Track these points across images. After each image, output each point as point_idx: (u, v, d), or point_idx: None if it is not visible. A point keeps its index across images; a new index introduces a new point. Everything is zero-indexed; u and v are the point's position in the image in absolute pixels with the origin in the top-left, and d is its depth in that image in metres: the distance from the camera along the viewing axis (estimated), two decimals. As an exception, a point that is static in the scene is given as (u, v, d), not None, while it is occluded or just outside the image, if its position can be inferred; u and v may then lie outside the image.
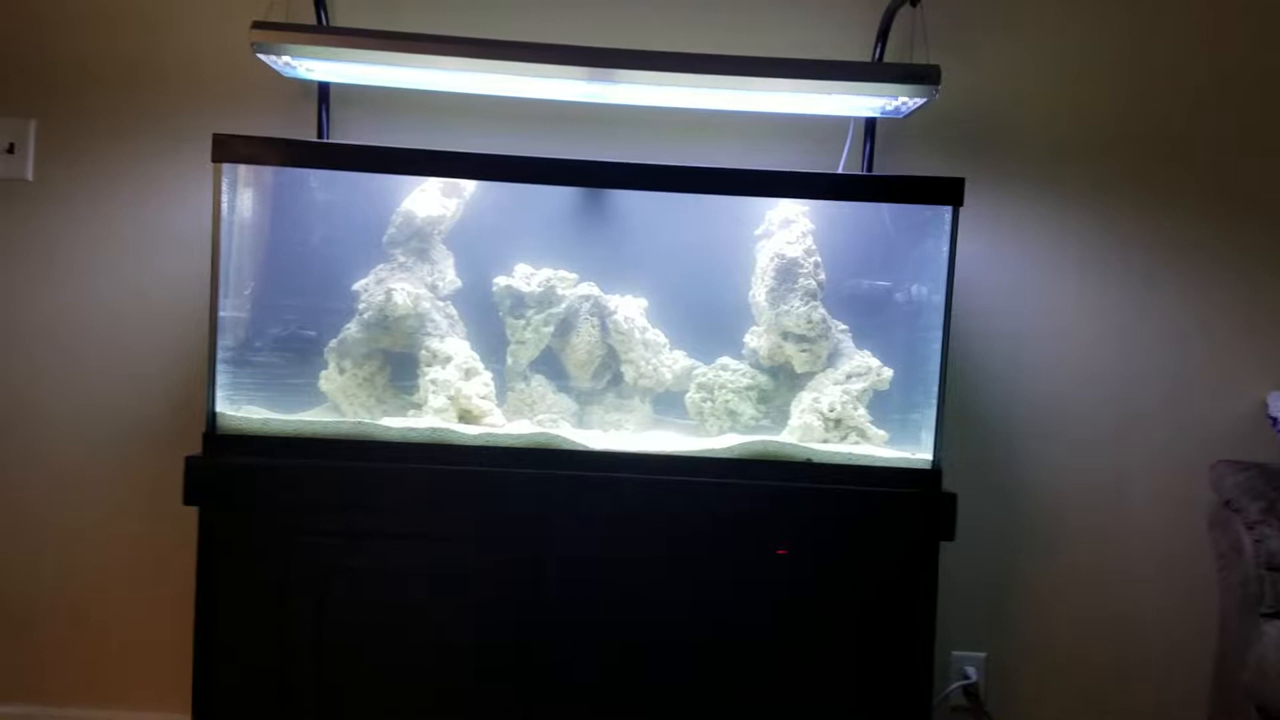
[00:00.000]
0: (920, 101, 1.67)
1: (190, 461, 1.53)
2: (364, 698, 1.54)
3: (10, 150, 1.84)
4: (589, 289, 1.77)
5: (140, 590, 1.89)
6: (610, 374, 1.81)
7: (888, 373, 1.70)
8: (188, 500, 1.52)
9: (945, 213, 1.59)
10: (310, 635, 1.53)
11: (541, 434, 1.60)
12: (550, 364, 1.79)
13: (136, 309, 1.87)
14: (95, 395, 1.87)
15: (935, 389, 1.58)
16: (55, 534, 1.89)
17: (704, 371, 1.77)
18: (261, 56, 1.62)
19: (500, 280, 1.75)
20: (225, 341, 1.60)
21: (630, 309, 1.78)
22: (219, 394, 1.58)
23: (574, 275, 1.77)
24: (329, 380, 1.70)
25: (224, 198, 1.56)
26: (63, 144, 1.85)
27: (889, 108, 1.72)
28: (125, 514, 1.88)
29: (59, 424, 1.88)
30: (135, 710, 1.89)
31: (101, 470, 1.88)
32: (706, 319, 1.81)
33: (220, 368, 1.58)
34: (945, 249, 1.58)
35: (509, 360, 1.75)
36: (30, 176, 1.85)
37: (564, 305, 1.75)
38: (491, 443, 1.57)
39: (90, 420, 1.88)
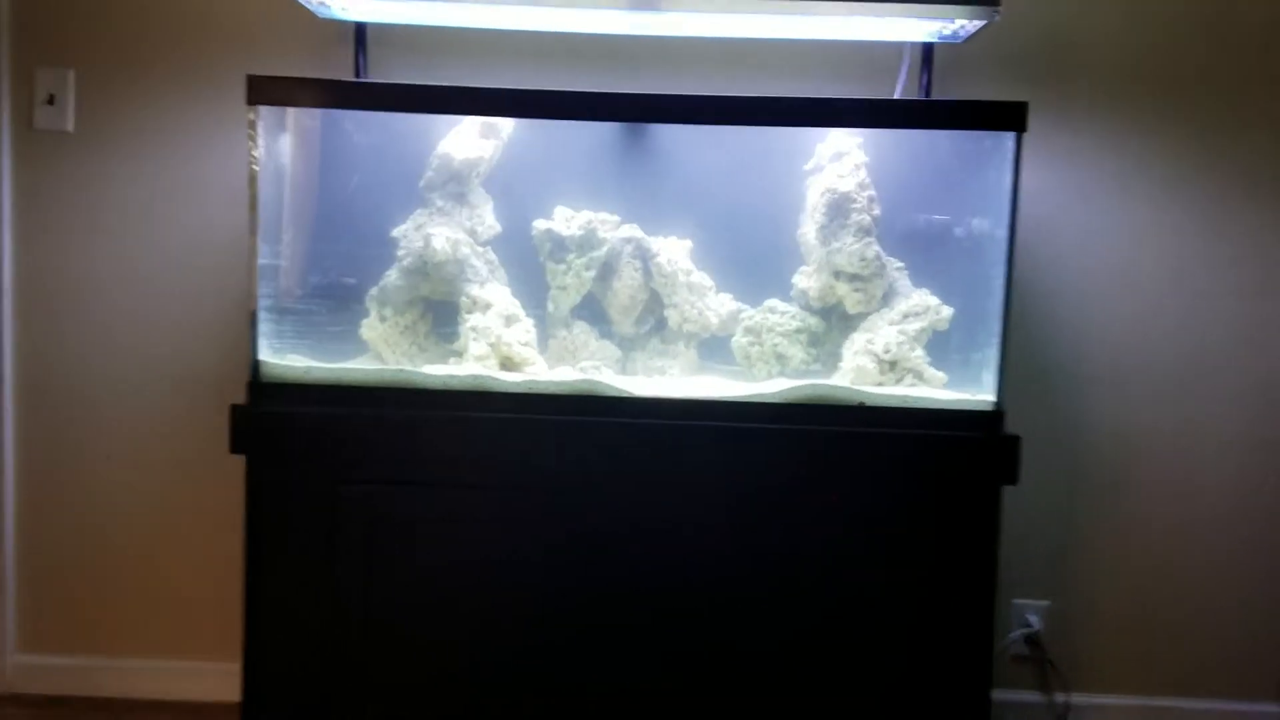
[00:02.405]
0: (980, 24, 1.58)
1: (235, 410, 1.53)
2: (410, 642, 1.54)
3: (50, 102, 1.84)
4: (631, 231, 1.72)
5: (191, 539, 1.91)
6: (654, 319, 1.77)
7: (947, 311, 1.63)
8: (234, 448, 1.52)
9: (1008, 140, 1.51)
10: (357, 581, 1.53)
11: (584, 381, 1.56)
12: (592, 309, 1.75)
13: (179, 259, 1.87)
14: (139, 346, 1.89)
15: (997, 328, 1.52)
16: (105, 486, 1.91)
17: (751, 314, 1.71)
18: (294, -4, 1.59)
19: (540, 224, 1.70)
20: (266, 290, 1.59)
21: (674, 251, 1.73)
22: (262, 342, 1.57)
23: (615, 217, 1.72)
24: (370, 328, 1.69)
25: (260, 142, 1.54)
26: (101, 94, 1.85)
27: (946, 32, 1.63)
28: (174, 463, 1.90)
29: (105, 376, 1.89)
30: (187, 659, 1.93)
31: (148, 420, 1.90)
32: (753, 260, 1.76)
33: (262, 316, 1.57)
34: (1008, 179, 1.50)
35: (550, 306, 1.71)
36: (70, 128, 1.85)
37: (605, 248, 1.70)
38: (533, 390, 1.55)
39: (136, 371, 1.89)
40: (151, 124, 1.84)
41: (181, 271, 1.87)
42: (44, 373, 1.89)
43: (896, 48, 1.76)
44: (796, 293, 1.72)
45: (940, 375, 1.61)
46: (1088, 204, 1.82)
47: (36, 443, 1.91)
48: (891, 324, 1.63)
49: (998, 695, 1.78)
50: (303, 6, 1.66)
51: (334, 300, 1.72)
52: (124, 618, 1.93)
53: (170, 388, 1.89)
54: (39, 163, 1.86)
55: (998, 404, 1.51)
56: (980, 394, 1.55)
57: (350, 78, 1.79)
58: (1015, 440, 1.49)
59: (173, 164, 1.85)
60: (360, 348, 1.72)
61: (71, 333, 1.89)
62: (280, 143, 1.63)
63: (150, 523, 1.92)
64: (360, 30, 1.77)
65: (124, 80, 1.84)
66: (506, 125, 1.71)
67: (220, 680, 1.89)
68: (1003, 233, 1.51)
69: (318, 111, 1.67)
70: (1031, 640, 1.87)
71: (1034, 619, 1.87)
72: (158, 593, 1.92)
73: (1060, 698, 1.87)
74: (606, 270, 1.73)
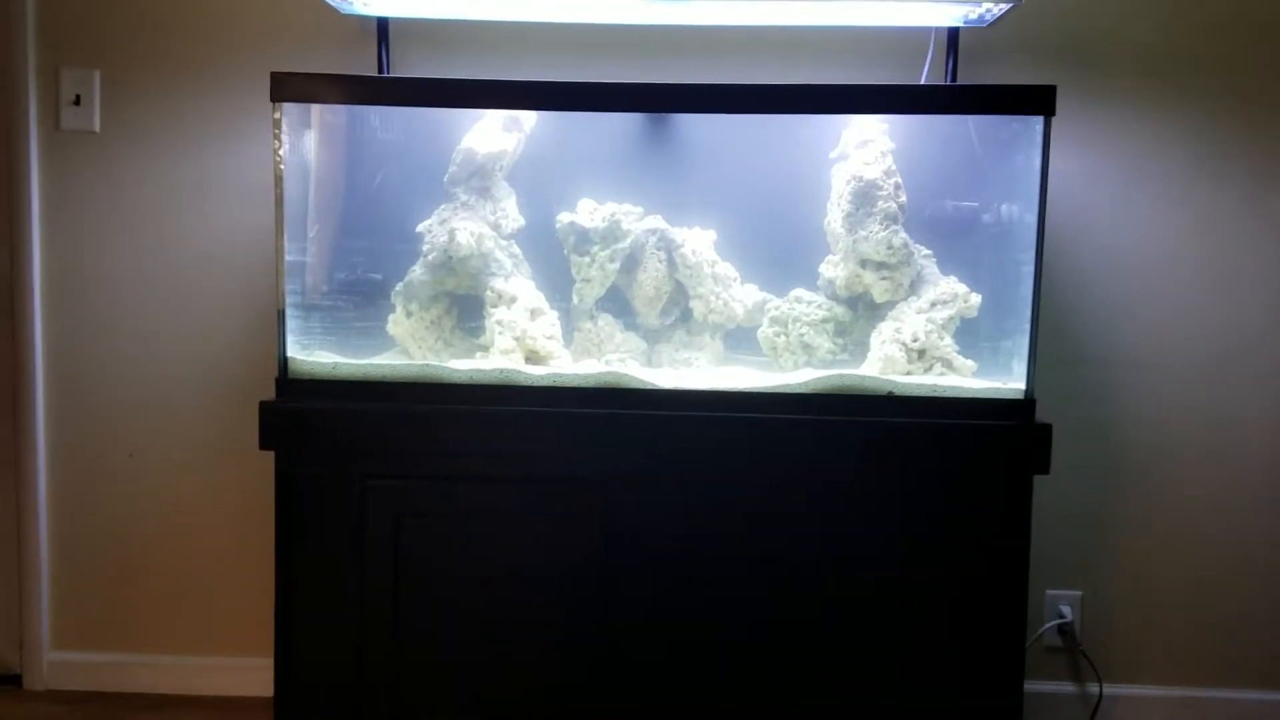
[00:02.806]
0: (1006, 7, 1.57)
1: (264, 406, 1.53)
2: (438, 634, 1.54)
3: (76, 102, 1.85)
4: (655, 222, 1.72)
5: (220, 535, 1.93)
6: (679, 310, 1.76)
7: (976, 299, 1.61)
8: (263, 444, 1.53)
9: (1036, 124, 1.49)
10: (385, 574, 1.54)
11: (609, 373, 1.56)
12: (617, 302, 1.75)
13: (204, 256, 1.88)
14: (166, 343, 1.90)
15: (1027, 315, 1.50)
16: (134, 483, 1.93)
17: (777, 304, 1.70)
18: (315, -8, 1.59)
19: (563, 216, 1.70)
20: (293, 286, 1.60)
21: (698, 242, 1.72)
22: (290, 339, 1.58)
23: (639, 208, 1.71)
24: (396, 324, 1.69)
25: (285, 139, 1.54)
26: (126, 94, 1.86)
27: (972, 15, 1.62)
28: (203, 459, 1.91)
29: (132, 373, 1.91)
30: (218, 655, 1.94)
31: (176, 417, 1.91)
32: (779, 249, 1.75)
33: (290, 313, 1.58)
34: (1037, 164, 1.48)
35: (575, 299, 1.71)
36: (97, 128, 1.86)
37: (629, 240, 1.70)
38: (559, 383, 1.54)
39: (163, 368, 1.90)
40: (176, 123, 1.86)
41: (207, 269, 1.88)
42: (71, 370, 1.91)
43: (922, 33, 1.74)
44: (823, 282, 1.71)
45: (969, 363, 1.60)
46: (1117, 188, 1.79)
47: (65, 441, 1.92)
48: (919, 312, 1.61)
49: (1030, 686, 1.77)
50: (325, 3, 1.66)
51: (360, 296, 1.72)
52: (155, 614, 1.94)
53: (197, 384, 1.90)
54: (66, 163, 1.87)
55: (1028, 392, 1.50)
56: (1010, 382, 1.54)
57: (374, 73, 1.79)
58: (1046, 429, 1.47)
59: (198, 162, 1.86)
60: (386, 343, 1.72)
61: (99, 330, 1.90)
62: (305, 139, 1.63)
63: (179, 519, 1.93)
64: (383, 25, 1.77)
65: (149, 80, 1.85)
66: (529, 118, 1.71)
67: (251, 675, 1.90)
68: (1031, 218, 1.49)
69: (341, 108, 1.67)
70: (1064, 631, 1.85)
71: (1067, 609, 1.85)
72: (188, 589, 1.94)
73: (1093, 688, 1.85)
74: (631, 262, 1.72)
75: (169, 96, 1.85)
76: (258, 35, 1.84)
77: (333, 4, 1.66)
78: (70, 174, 1.87)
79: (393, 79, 1.74)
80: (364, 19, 1.79)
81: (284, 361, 1.57)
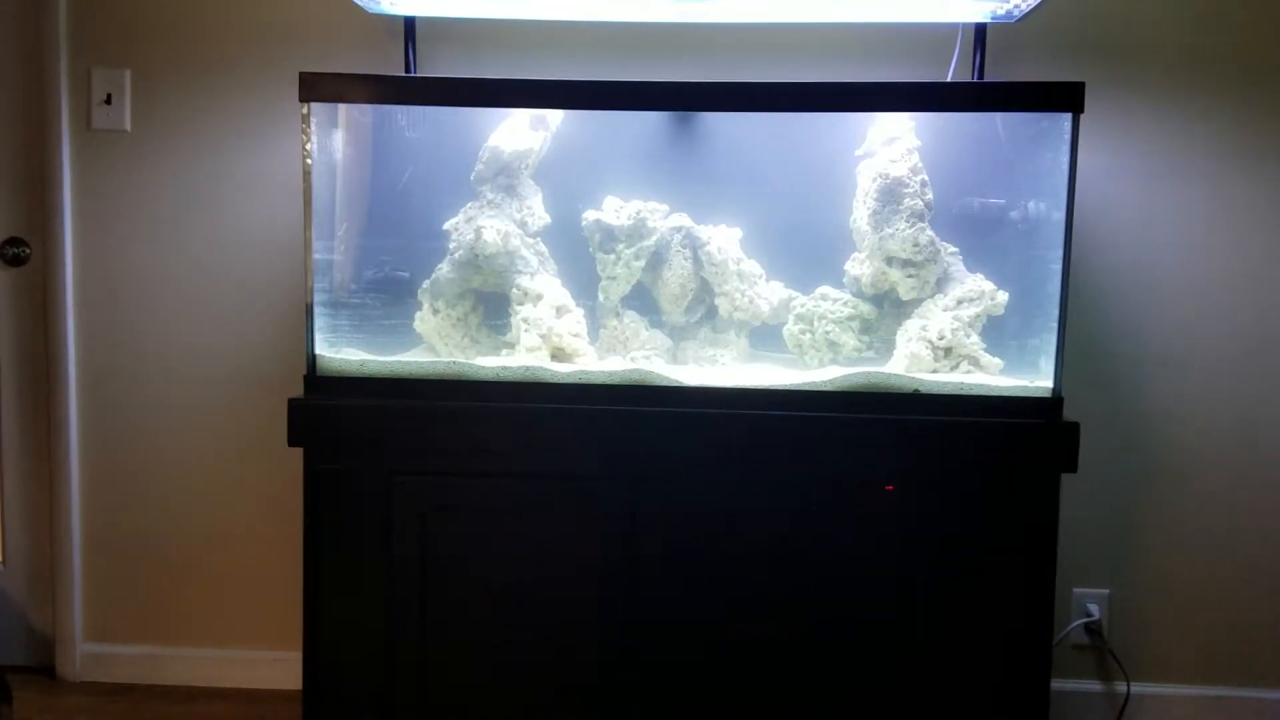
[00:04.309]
0: (1034, 3, 1.56)
1: (293, 404, 1.55)
2: (465, 629, 1.56)
3: (108, 101, 1.87)
4: (680, 220, 1.72)
5: (250, 530, 1.95)
6: (704, 308, 1.76)
7: (1003, 296, 1.60)
8: (292, 441, 1.55)
9: (1064, 121, 1.48)
10: (412, 570, 1.55)
11: (635, 371, 1.56)
12: (642, 299, 1.75)
13: (233, 255, 1.90)
14: (196, 341, 1.92)
15: (1055, 313, 1.49)
16: (167, 480, 1.96)
17: (803, 302, 1.70)
18: (343, -9, 1.60)
19: (589, 214, 1.71)
20: (321, 284, 1.61)
21: (724, 239, 1.72)
22: (318, 336, 1.59)
23: (665, 206, 1.71)
24: (423, 321, 1.70)
25: (313, 138, 1.55)
26: (156, 93, 1.88)
27: (1000, 11, 1.61)
28: (233, 455, 1.94)
29: (162, 370, 1.93)
30: (248, 648, 1.97)
31: (206, 414, 1.93)
32: (804, 247, 1.74)
33: (318, 310, 1.60)
34: (1065, 161, 1.47)
35: (600, 296, 1.72)
36: (128, 127, 1.89)
37: (655, 238, 1.70)
38: (585, 380, 1.55)
39: (193, 365, 1.93)
40: (206, 122, 1.88)
41: (236, 267, 1.90)
42: (102, 366, 1.94)
43: (949, 29, 1.73)
44: (849, 279, 1.71)
45: (996, 361, 1.59)
46: (1145, 186, 1.78)
47: (97, 438, 1.95)
48: (946, 310, 1.61)
49: (1058, 684, 1.77)
50: (353, 2, 1.67)
51: (387, 294, 1.73)
52: (185, 608, 1.97)
53: (226, 381, 1.92)
54: (97, 161, 1.90)
55: (1056, 390, 1.49)
56: (1037, 380, 1.53)
57: (400, 72, 1.80)
58: (1074, 427, 1.46)
59: (227, 161, 1.88)
60: (413, 340, 1.73)
61: (129, 327, 1.93)
62: (333, 138, 1.65)
63: (209, 514, 1.95)
64: (410, 24, 1.78)
65: (179, 80, 1.87)
66: (555, 116, 1.71)
67: (279, 668, 1.93)
68: (1059, 216, 1.48)
69: (369, 107, 1.68)
70: (1091, 629, 1.84)
71: (1094, 608, 1.84)
72: (218, 583, 1.96)
73: (1120, 687, 1.85)
74: (656, 260, 1.72)
75: (198, 96, 1.87)
76: (286, 35, 1.85)
77: (360, 3, 1.68)
78: (101, 172, 1.90)
79: (420, 79, 1.75)
80: (391, 18, 1.80)
81: (312, 359, 1.59)
